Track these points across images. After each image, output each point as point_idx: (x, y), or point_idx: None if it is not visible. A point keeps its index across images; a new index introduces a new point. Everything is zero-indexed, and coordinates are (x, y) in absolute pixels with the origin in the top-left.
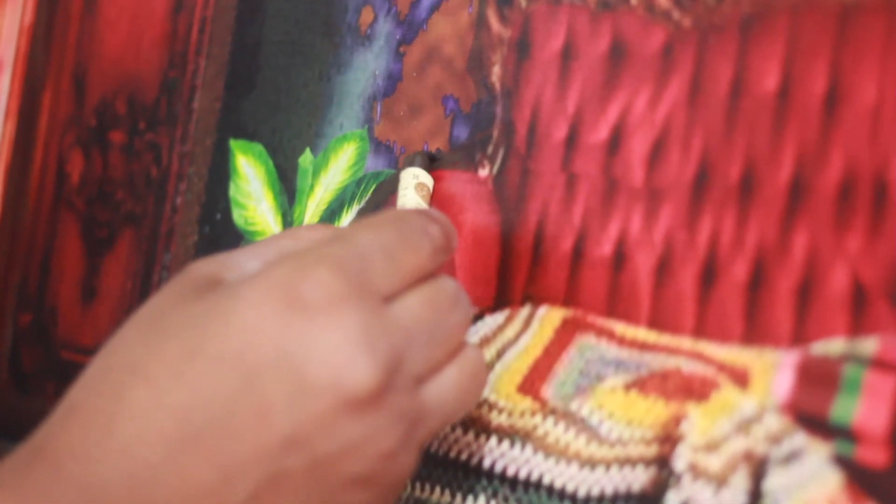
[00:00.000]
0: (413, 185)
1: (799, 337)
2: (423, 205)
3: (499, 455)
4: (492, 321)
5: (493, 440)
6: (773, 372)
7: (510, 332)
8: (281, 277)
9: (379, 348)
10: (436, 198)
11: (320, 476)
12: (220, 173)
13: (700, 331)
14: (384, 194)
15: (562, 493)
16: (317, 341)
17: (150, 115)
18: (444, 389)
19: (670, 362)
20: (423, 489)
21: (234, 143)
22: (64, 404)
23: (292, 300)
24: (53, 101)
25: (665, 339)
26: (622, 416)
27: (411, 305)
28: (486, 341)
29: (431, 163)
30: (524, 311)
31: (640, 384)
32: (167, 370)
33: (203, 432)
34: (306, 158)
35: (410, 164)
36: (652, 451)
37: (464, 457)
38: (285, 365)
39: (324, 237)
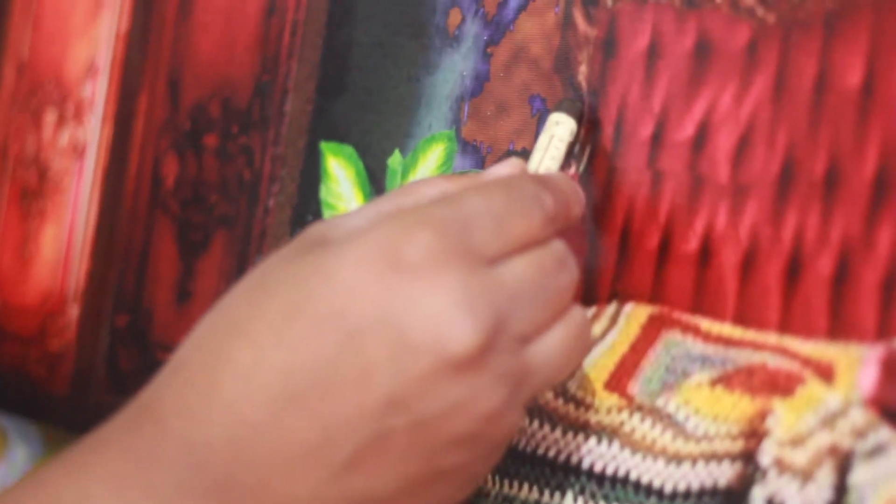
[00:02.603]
0: (550, 133)
1: (884, 331)
2: (555, 158)
3: (586, 452)
4: None
5: (581, 437)
6: (858, 366)
7: (597, 329)
8: (383, 238)
9: (480, 309)
10: None
11: (423, 437)
12: (312, 175)
13: (785, 326)
14: None
15: (648, 489)
16: (418, 302)
17: (242, 119)
18: (548, 350)
19: (756, 357)
20: (511, 486)
21: (324, 146)
22: (171, 363)
23: (393, 261)
24: (149, 105)
25: (750, 334)
26: (708, 412)
27: (516, 267)
28: None
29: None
30: (611, 308)
31: (726, 380)
32: (269, 330)
33: (305, 392)
34: (395, 159)
35: (558, 108)
36: (738, 446)
37: (552, 454)
38: (386, 325)
39: (433, 197)
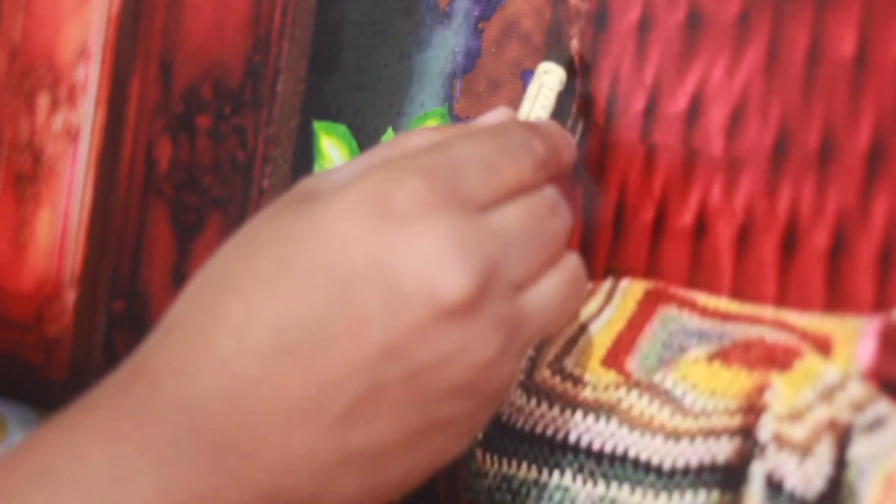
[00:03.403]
0: (539, 82)
1: (881, 303)
2: (545, 107)
3: (584, 429)
4: None
5: (579, 415)
6: (856, 339)
7: (593, 305)
8: (371, 187)
9: (472, 255)
10: None
11: (418, 387)
12: (305, 155)
13: (782, 299)
14: None
15: (647, 466)
16: (408, 250)
17: (235, 100)
18: (543, 296)
19: (753, 332)
20: (509, 465)
21: (317, 125)
22: (163, 323)
23: (383, 209)
24: (141, 88)
25: (747, 308)
26: (706, 388)
27: (507, 213)
28: None
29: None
30: (606, 284)
31: (724, 355)
32: (260, 284)
33: (298, 346)
34: (388, 137)
35: (547, 58)
36: (736, 421)
37: (549, 432)
38: (378, 275)
39: (421, 146)
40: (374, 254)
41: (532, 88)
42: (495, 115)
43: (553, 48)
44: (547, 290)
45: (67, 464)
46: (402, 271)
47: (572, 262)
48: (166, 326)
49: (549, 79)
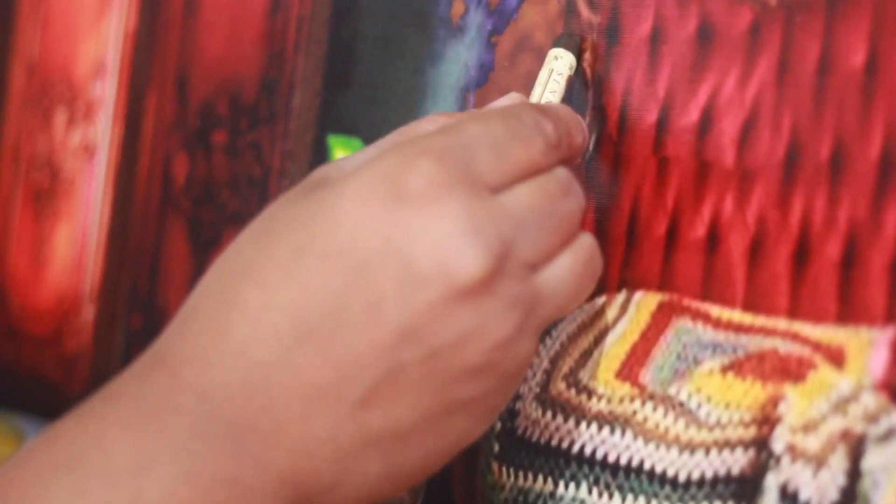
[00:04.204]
0: (549, 68)
1: (893, 314)
2: (556, 92)
3: (599, 442)
4: (589, 307)
5: (594, 427)
6: (869, 350)
7: (607, 317)
8: (384, 170)
9: (485, 234)
10: None
11: (436, 368)
12: None
13: (795, 311)
14: None
15: (662, 478)
16: (422, 231)
17: (251, 115)
18: (558, 276)
19: (766, 343)
20: (525, 478)
21: (333, 139)
22: (181, 313)
23: (395, 192)
24: (158, 104)
25: (760, 320)
26: (720, 399)
27: (519, 194)
28: (583, 328)
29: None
30: (620, 296)
31: (738, 366)
32: (276, 270)
33: (317, 329)
34: None
35: (557, 44)
36: (750, 433)
37: (565, 445)
38: (392, 256)
39: (431, 130)
40: (388, 236)
41: (542, 74)
42: (506, 100)
43: (562, 34)
44: (561, 271)
45: (90, 453)
46: (416, 252)
47: (586, 243)
48: (184, 316)
49: (559, 64)
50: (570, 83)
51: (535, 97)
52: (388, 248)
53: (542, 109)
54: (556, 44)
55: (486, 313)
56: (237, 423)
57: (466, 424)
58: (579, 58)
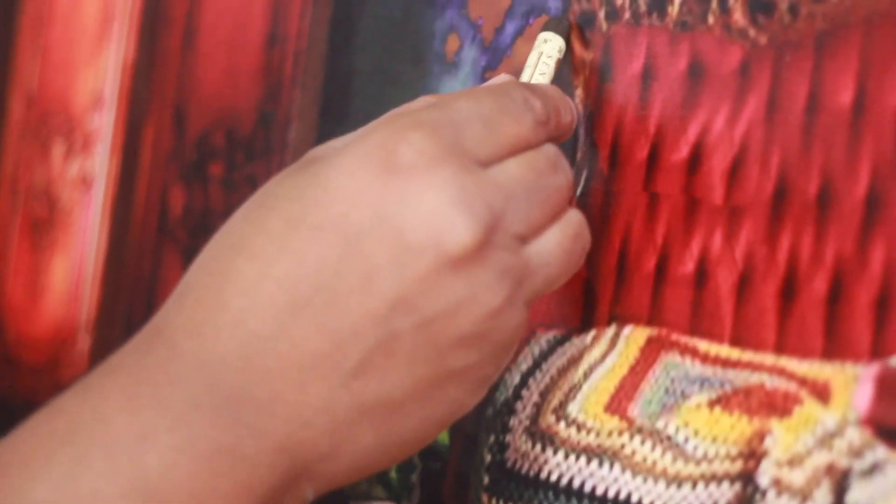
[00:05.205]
0: (539, 51)
1: (878, 350)
2: (545, 74)
3: (588, 475)
4: (578, 342)
5: (583, 460)
6: (854, 385)
7: (597, 352)
8: (376, 143)
9: (475, 205)
10: None
11: (429, 337)
12: None
13: (782, 346)
14: None
15: None
16: (413, 202)
17: (247, 148)
18: (546, 250)
19: (753, 378)
20: None
21: None
22: (178, 288)
23: (387, 163)
24: (155, 136)
25: (748, 355)
26: (707, 433)
27: (509, 168)
28: (573, 361)
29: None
30: (610, 331)
31: (725, 401)
32: (271, 242)
33: (311, 300)
34: None
35: (546, 28)
36: (737, 467)
37: (553, 477)
38: (385, 227)
39: (421, 107)
40: (380, 206)
41: (532, 57)
42: (496, 80)
43: (551, 18)
44: (550, 244)
45: (90, 426)
46: (408, 223)
47: (574, 218)
48: (181, 291)
49: (548, 47)
50: (559, 66)
51: (524, 78)
52: (380, 220)
53: (531, 88)
54: (546, 27)
55: (477, 283)
56: (234, 394)
57: (459, 395)
58: (568, 41)
